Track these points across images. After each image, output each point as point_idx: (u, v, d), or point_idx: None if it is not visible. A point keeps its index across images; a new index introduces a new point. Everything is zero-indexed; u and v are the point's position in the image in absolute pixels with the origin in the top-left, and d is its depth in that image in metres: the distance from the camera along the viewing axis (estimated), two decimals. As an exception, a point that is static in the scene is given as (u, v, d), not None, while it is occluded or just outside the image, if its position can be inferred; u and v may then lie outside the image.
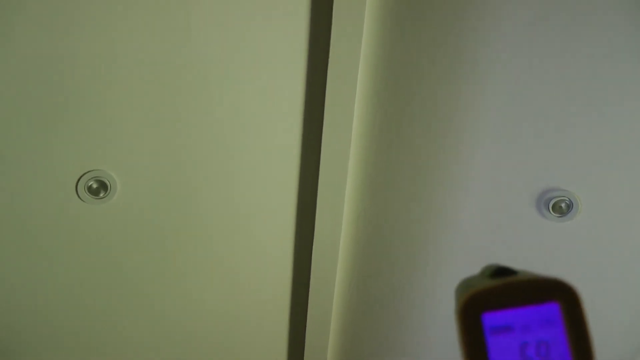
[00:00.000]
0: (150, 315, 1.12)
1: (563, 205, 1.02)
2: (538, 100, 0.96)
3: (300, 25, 0.93)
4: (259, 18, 0.92)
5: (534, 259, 1.07)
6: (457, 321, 0.32)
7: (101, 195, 0.99)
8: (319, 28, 0.94)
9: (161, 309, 1.11)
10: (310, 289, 1.10)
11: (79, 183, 0.97)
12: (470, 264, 1.06)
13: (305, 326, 1.14)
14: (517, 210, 1.04)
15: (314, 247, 1.07)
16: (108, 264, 1.05)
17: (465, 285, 0.33)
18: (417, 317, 1.16)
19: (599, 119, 0.97)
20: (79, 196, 0.98)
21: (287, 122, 1.00)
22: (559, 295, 0.32)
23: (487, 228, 1.06)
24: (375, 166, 1.04)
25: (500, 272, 0.33)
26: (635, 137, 0.98)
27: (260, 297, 1.13)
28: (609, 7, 0.90)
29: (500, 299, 0.32)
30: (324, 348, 1.16)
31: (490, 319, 0.32)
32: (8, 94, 0.90)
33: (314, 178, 1.04)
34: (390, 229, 1.08)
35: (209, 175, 1.01)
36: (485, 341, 0.32)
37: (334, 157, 1.00)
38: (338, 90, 0.95)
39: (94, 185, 0.98)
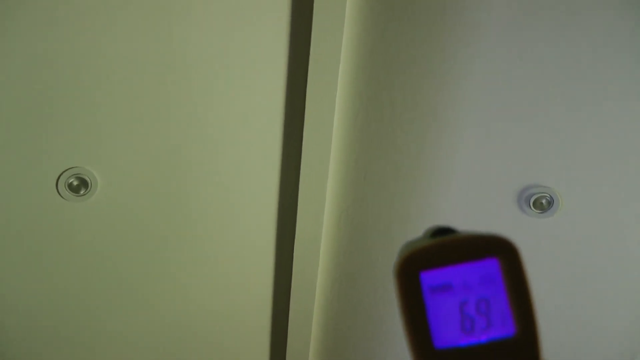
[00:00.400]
0: (132, 312, 1.11)
1: (544, 201, 1.02)
2: (520, 98, 0.97)
3: (281, 24, 0.94)
4: (240, 17, 0.93)
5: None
6: (395, 281, 0.31)
7: (82, 192, 0.99)
8: (300, 28, 0.94)
9: (144, 306, 1.11)
10: (292, 287, 1.09)
11: (60, 180, 0.97)
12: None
13: (287, 323, 1.13)
14: (498, 206, 1.04)
15: (295, 246, 1.06)
16: (90, 261, 1.05)
17: (406, 247, 0.33)
18: (398, 316, 1.16)
19: (581, 116, 0.97)
20: (59, 193, 0.98)
21: (268, 121, 1.00)
22: (498, 251, 0.31)
23: (468, 225, 1.06)
24: (357, 165, 1.04)
25: (441, 231, 0.32)
26: (616, 134, 0.98)
27: (243, 294, 1.13)
28: (594, 6, 0.91)
29: (438, 257, 0.31)
30: (306, 345, 1.15)
31: (429, 277, 0.31)
32: (-12, 90, 0.91)
33: (295, 177, 1.04)
34: (372, 228, 1.08)
35: (190, 174, 1.02)
36: (424, 301, 0.31)
37: (315, 156, 1.00)
38: (319, 89, 0.96)
39: (75, 183, 0.98)
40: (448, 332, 0.31)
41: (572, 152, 0.99)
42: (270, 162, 1.03)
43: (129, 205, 1.02)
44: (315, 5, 0.90)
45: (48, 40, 0.89)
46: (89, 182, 0.98)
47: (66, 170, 0.97)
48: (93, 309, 1.09)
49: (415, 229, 1.07)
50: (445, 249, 0.31)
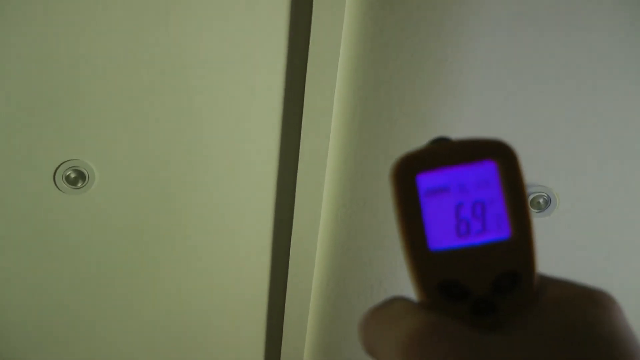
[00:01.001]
0: (129, 305, 1.11)
1: (541, 200, 1.02)
2: (517, 96, 0.97)
3: (280, 17, 0.94)
4: (238, 10, 0.93)
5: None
6: (390, 184, 0.31)
7: (79, 185, 0.99)
8: (299, 22, 0.94)
9: (140, 297, 1.11)
10: (287, 282, 1.09)
11: (57, 172, 0.97)
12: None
13: (283, 321, 1.13)
14: (495, 205, 1.04)
15: (292, 241, 1.07)
16: (86, 254, 1.05)
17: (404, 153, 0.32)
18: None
19: (578, 115, 0.97)
20: (56, 186, 0.98)
21: (266, 116, 1.00)
22: (496, 155, 0.31)
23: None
24: (355, 161, 1.04)
25: (441, 140, 0.31)
26: (614, 133, 0.98)
27: (239, 288, 1.13)
28: (595, 3, 0.91)
29: (435, 160, 0.31)
30: (301, 341, 1.15)
31: (425, 180, 0.31)
32: (-13, 81, 0.91)
33: (293, 173, 1.04)
34: (369, 225, 1.08)
35: (188, 168, 1.02)
36: (419, 203, 0.30)
37: (312, 152, 1.01)
38: (317, 83, 0.96)
39: (72, 175, 0.98)
40: (443, 234, 0.30)
41: (569, 151, 1.00)
42: (268, 157, 1.03)
43: (127, 198, 1.02)
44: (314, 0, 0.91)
45: (47, 33, 0.89)
46: (87, 174, 0.98)
47: (63, 162, 0.97)
48: (89, 302, 1.09)
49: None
50: (442, 151, 0.31)
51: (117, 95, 0.95)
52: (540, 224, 1.04)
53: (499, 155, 0.31)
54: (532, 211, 1.02)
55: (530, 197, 1.02)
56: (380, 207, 1.06)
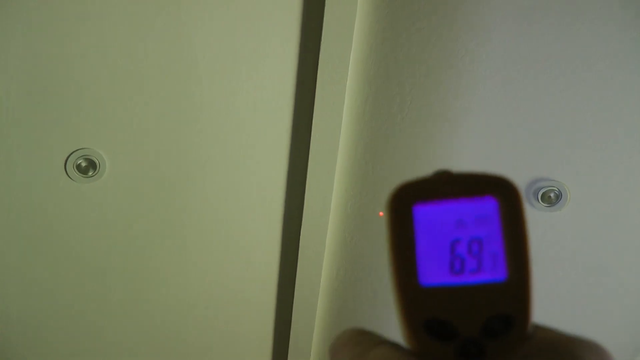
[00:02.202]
0: (135, 298, 1.11)
1: (552, 195, 1.02)
2: (529, 90, 0.97)
3: (292, 10, 0.94)
4: (251, 3, 0.93)
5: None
6: (385, 212, 0.29)
7: (90, 174, 0.99)
8: (311, 15, 0.95)
9: (147, 293, 1.11)
10: (297, 272, 1.09)
11: (68, 161, 0.97)
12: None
13: (291, 315, 1.13)
14: (505, 199, 1.03)
15: (301, 232, 1.06)
16: (97, 242, 1.05)
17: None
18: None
19: (589, 109, 0.97)
20: (67, 174, 0.98)
21: (277, 108, 1.00)
22: (498, 191, 0.29)
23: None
24: (365, 154, 1.04)
25: (444, 172, 0.30)
26: (625, 128, 0.98)
27: (248, 280, 1.12)
28: (607, 1, 0.91)
29: (434, 192, 0.29)
30: (308, 339, 1.15)
31: (422, 211, 0.29)
32: None
33: (303, 166, 1.04)
34: (378, 219, 1.08)
35: (198, 159, 1.02)
36: (414, 236, 0.29)
37: (323, 145, 1.01)
38: (329, 77, 0.96)
39: (83, 164, 0.98)
40: (436, 270, 0.29)
41: (580, 145, 0.99)
42: (278, 150, 1.03)
43: (138, 187, 1.02)
44: (327, -6, 0.91)
45: (57, 24, 0.89)
46: (98, 163, 0.98)
47: (75, 151, 0.97)
48: (100, 291, 1.09)
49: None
50: (442, 183, 0.29)
51: (129, 86, 0.95)
52: (551, 218, 1.04)
53: (501, 192, 0.29)
54: (543, 205, 1.02)
55: (541, 192, 1.02)
56: (390, 200, 1.06)
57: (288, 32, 0.96)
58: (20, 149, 0.96)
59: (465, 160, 1.02)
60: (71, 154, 0.97)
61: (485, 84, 0.97)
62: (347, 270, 1.12)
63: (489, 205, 0.29)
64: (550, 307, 1.10)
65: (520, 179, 1.02)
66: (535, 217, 1.04)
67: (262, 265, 1.11)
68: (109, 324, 1.12)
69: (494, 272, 0.29)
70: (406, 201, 0.29)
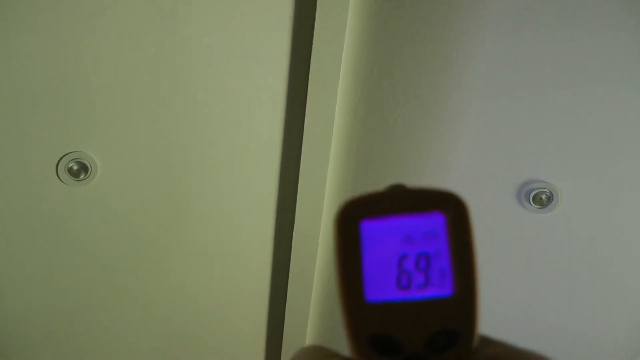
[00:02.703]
0: (129, 301, 1.12)
1: (543, 196, 1.02)
2: (521, 92, 0.97)
3: (284, 10, 0.93)
4: (243, 1, 0.92)
5: (513, 249, 1.07)
6: (333, 228, 0.29)
7: (82, 177, 0.99)
8: (303, 15, 0.94)
9: (141, 294, 1.12)
10: (289, 276, 1.10)
11: (59, 164, 0.97)
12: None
13: (284, 312, 1.14)
14: (497, 201, 1.04)
15: (294, 234, 1.07)
16: (88, 246, 1.05)
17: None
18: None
19: (581, 110, 0.97)
20: (59, 178, 0.98)
21: (269, 108, 1.00)
22: (446, 206, 0.29)
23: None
24: (358, 153, 1.04)
25: (396, 187, 0.30)
26: (617, 129, 0.98)
27: (240, 284, 1.13)
28: (601, 2, 0.90)
29: (382, 207, 0.29)
30: (302, 336, 1.16)
31: (369, 227, 0.29)
32: (-12, 72, 0.90)
33: (296, 165, 1.04)
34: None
35: (191, 161, 1.01)
36: (360, 251, 0.29)
37: (316, 144, 1.00)
38: (321, 76, 0.96)
39: (75, 167, 0.98)
40: (382, 286, 0.29)
41: (572, 147, 0.99)
42: (271, 148, 1.03)
43: (129, 190, 1.02)
44: (319, -8, 0.90)
45: (52, 26, 0.88)
46: (89, 167, 0.98)
47: (66, 154, 0.97)
48: (92, 294, 1.10)
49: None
50: (391, 199, 0.29)
51: (121, 88, 0.94)
52: (542, 220, 1.04)
53: (448, 207, 0.29)
54: (535, 207, 1.02)
55: (533, 193, 1.02)
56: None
57: (280, 33, 0.95)
58: (12, 152, 0.95)
59: (457, 161, 1.02)
60: (62, 157, 0.97)
61: (477, 85, 0.97)
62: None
63: (436, 221, 0.29)
64: (543, 309, 1.11)
65: (511, 181, 1.03)
66: (526, 218, 1.04)
67: (254, 268, 1.12)
68: (102, 323, 1.13)
69: (441, 287, 0.29)
70: (353, 216, 0.29)
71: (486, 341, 0.29)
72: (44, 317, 1.10)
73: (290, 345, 1.17)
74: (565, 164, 1.00)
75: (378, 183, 1.05)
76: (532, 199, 1.02)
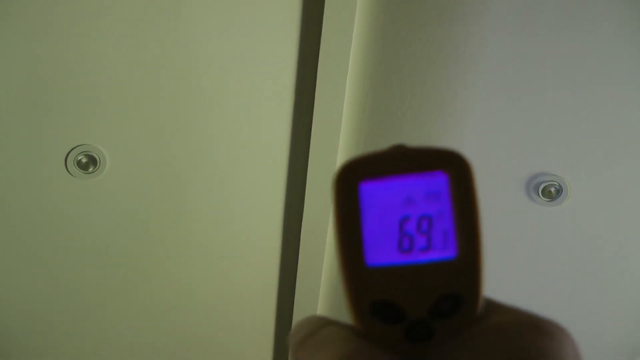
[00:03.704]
0: (135, 294, 1.11)
1: (552, 189, 1.02)
2: (529, 85, 0.97)
3: (292, 6, 0.94)
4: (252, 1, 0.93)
5: (521, 242, 1.06)
6: (332, 191, 0.28)
7: (90, 170, 0.99)
8: (311, 11, 0.94)
9: (147, 288, 1.11)
10: (297, 272, 1.09)
11: (68, 157, 0.97)
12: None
13: (293, 308, 1.13)
14: (506, 194, 1.04)
15: (302, 230, 1.06)
16: (96, 238, 1.05)
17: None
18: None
19: (590, 103, 0.97)
20: (68, 170, 0.98)
21: (277, 103, 1.00)
22: (449, 166, 0.28)
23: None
24: (365, 148, 1.04)
25: (397, 147, 0.29)
26: (626, 122, 0.98)
27: (248, 281, 1.13)
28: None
29: (381, 167, 0.28)
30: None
31: (368, 189, 0.27)
32: None
33: (304, 161, 1.04)
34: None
35: (199, 154, 1.02)
36: (360, 214, 0.27)
37: (324, 140, 1.00)
38: (329, 73, 0.96)
39: (84, 160, 0.98)
40: (383, 250, 0.27)
41: (581, 140, 0.99)
42: (279, 144, 1.03)
43: (138, 184, 1.02)
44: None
45: (61, 22, 0.89)
46: (98, 159, 0.98)
47: (75, 147, 0.97)
48: (98, 286, 1.09)
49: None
50: (391, 159, 0.28)
51: (130, 83, 0.95)
52: (551, 213, 1.04)
53: (451, 167, 0.28)
54: (544, 200, 1.02)
55: (542, 186, 1.02)
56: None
57: (288, 27, 0.95)
58: (21, 145, 0.95)
59: (466, 154, 1.02)
60: (71, 150, 0.97)
61: (485, 79, 0.97)
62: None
63: (439, 181, 0.28)
64: (549, 303, 1.10)
65: (520, 174, 1.03)
66: (535, 211, 1.04)
67: (262, 265, 1.12)
68: (110, 318, 1.12)
69: (443, 250, 0.27)
70: (352, 178, 0.28)
71: (494, 306, 0.27)
72: (48, 309, 1.09)
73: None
74: (575, 156, 1.00)
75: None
76: (541, 192, 1.02)
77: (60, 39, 0.90)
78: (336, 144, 1.01)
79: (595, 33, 0.93)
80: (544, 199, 1.03)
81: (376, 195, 0.28)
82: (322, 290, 1.14)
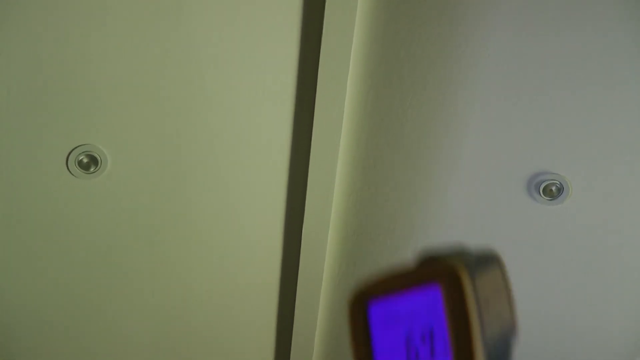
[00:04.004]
0: (137, 293, 1.11)
1: (554, 188, 1.02)
2: (530, 84, 0.97)
3: (293, 5, 0.94)
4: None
5: (523, 241, 1.06)
6: (347, 314, 0.33)
7: (91, 170, 0.99)
8: (312, 10, 0.94)
9: (149, 287, 1.11)
10: (299, 270, 1.09)
11: (70, 157, 0.97)
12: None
13: (294, 307, 1.13)
14: (507, 193, 1.04)
15: (303, 229, 1.06)
16: (97, 238, 1.05)
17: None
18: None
19: (591, 102, 0.97)
20: (69, 170, 0.98)
21: (279, 103, 1.00)
22: (441, 278, 0.31)
23: (477, 210, 1.06)
24: (367, 148, 1.04)
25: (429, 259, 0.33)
26: (627, 121, 0.98)
27: (249, 279, 1.13)
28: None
29: (386, 288, 0.32)
30: (311, 332, 1.15)
31: (377, 309, 0.32)
32: None
33: (305, 160, 1.04)
34: (380, 211, 1.08)
35: (200, 155, 1.02)
36: (370, 333, 0.32)
37: (325, 139, 1.00)
38: (330, 72, 0.96)
39: (85, 160, 0.98)
40: None
41: (582, 138, 0.99)
42: (280, 144, 1.03)
43: (139, 183, 1.02)
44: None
45: (64, 22, 0.89)
46: (99, 159, 0.98)
47: (76, 147, 0.97)
48: (100, 285, 1.09)
49: (423, 214, 1.07)
50: (393, 278, 0.32)
51: (131, 82, 0.95)
52: (552, 211, 1.04)
53: (443, 279, 0.31)
54: (545, 199, 1.02)
55: (543, 185, 1.02)
56: (390, 193, 1.06)
57: (289, 27, 0.95)
58: (22, 145, 0.96)
59: (466, 153, 1.02)
60: (73, 150, 0.97)
61: (486, 78, 0.97)
62: (348, 264, 1.13)
63: (434, 294, 0.31)
64: (550, 302, 1.10)
65: (522, 172, 1.02)
66: (536, 210, 1.04)
67: (264, 263, 1.12)
68: (112, 317, 1.13)
69: (445, 355, 0.31)
70: (361, 302, 0.32)
71: None
72: (50, 307, 1.10)
73: (299, 342, 1.16)
74: (575, 155, 1.00)
75: (387, 174, 1.05)
76: (542, 191, 1.02)
77: (62, 39, 0.90)
78: (337, 143, 1.01)
79: (595, 33, 0.92)
80: (545, 197, 1.02)
81: (383, 313, 0.32)
82: (323, 289, 1.14)
